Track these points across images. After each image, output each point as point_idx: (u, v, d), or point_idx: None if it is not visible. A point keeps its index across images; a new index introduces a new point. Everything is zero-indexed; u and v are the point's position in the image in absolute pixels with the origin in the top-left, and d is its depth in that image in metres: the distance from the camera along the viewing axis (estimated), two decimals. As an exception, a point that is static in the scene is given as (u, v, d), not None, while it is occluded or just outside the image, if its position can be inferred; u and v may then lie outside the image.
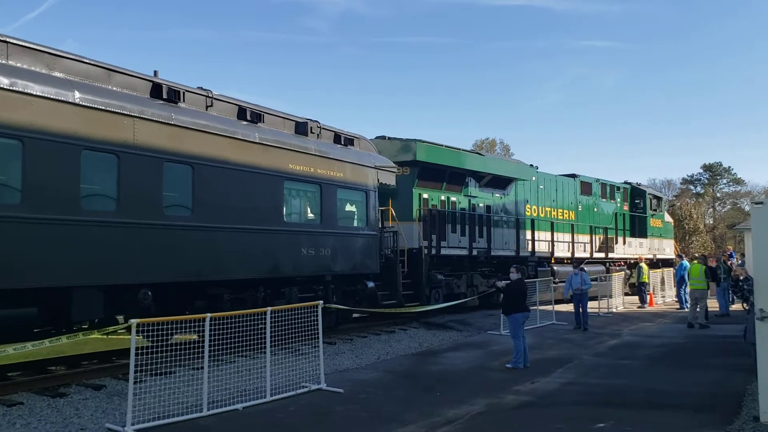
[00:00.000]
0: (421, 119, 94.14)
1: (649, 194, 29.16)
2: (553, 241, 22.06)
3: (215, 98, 11.74)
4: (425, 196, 18.04)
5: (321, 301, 9.76)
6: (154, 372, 8.31)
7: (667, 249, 30.81)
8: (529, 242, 21.09)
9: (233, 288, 11.65)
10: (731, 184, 70.56)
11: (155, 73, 11.15)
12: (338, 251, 13.87)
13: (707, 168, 70.48)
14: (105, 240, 9.22)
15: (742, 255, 24.08)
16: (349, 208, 14.83)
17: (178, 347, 8.07)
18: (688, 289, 21.58)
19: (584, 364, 11.30)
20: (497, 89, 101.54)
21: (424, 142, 17.77)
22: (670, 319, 19.15)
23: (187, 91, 11.14)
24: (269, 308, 8.83)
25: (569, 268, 20.30)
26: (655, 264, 27.21)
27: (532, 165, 22.57)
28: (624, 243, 26.97)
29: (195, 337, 8.97)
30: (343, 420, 7.50)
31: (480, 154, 20.12)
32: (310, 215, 13.63)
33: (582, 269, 17.19)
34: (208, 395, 7.74)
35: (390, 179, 16.07)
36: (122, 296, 9.73)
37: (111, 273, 9.29)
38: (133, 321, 7.18)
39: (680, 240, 52.22)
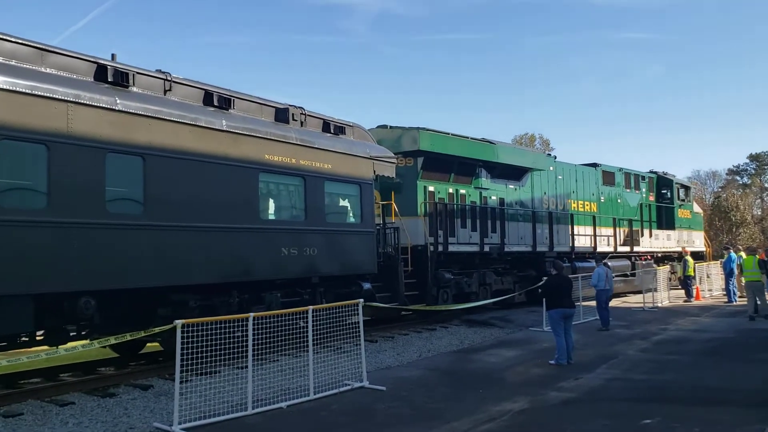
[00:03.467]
0: (459, 117, 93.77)
1: (677, 183, 27.09)
2: (573, 234, 20.19)
3: (175, 81, 10.48)
4: (431, 188, 16.50)
5: (361, 300, 9.55)
6: (199, 372, 8.13)
7: (697, 241, 28.72)
8: (548, 237, 19.30)
9: (201, 293, 10.36)
10: (780, 173, 67.05)
11: (113, 56, 9.99)
12: (327, 250, 12.48)
13: (754, 158, 67.24)
14: (30, 241, 8.01)
15: (793, 247, 21.94)
16: (340, 202, 13.47)
17: (222, 347, 7.79)
18: (736, 282, 19.88)
19: (629, 360, 10.93)
20: (535, 84, 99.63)
21: (428, 130, 16.25)
22: (718, 312, 18.14)
23: (138, 73, 9.90)
24: (311, 307, 8.70)
25: (591, 264, 18.54)
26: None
27: (549, 154, 20.81)
28: (651, 236, 24.89)
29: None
30: (386, 418, 7.44)
31: (491, 142, 18.37)
32: (293, 211, 12.27)
33: (604, 264, 15.48)
34: (253, 394, 7.72)
35: (389, 171, 14.63)
36: (58, 306, 8.50)
37: (39, 279, 8.06)
38: (179, 322, 7.14)
39: (727, 232, 49.42)
